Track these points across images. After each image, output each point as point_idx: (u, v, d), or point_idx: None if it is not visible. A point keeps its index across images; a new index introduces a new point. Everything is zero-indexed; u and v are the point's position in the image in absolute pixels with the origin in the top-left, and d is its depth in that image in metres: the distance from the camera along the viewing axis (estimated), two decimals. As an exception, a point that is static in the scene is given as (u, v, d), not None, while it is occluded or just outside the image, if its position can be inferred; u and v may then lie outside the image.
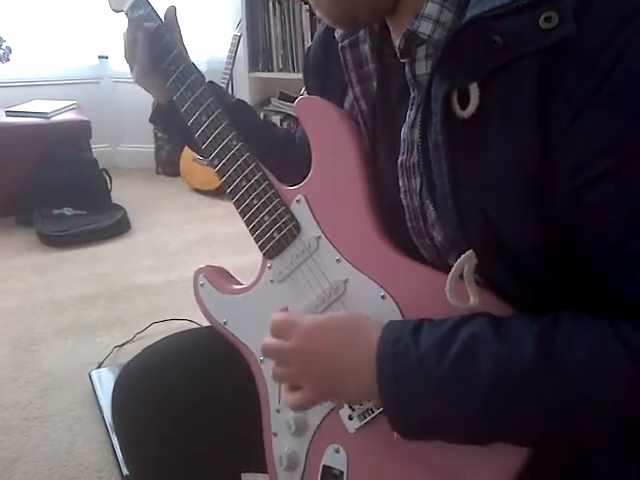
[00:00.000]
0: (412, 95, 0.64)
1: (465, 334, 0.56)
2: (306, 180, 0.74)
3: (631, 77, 0.49)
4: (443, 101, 0.55)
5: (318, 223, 0.72)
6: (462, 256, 0.58)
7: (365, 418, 0.68)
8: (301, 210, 0.74)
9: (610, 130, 0.50)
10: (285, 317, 0.66)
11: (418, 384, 0.57)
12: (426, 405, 0.57)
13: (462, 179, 0.57)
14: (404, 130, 0.65)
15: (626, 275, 0.53)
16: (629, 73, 0.49)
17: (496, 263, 0.58)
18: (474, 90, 0.54)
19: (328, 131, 0.73)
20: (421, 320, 0.60)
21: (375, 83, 0.71)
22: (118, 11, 0.91)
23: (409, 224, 0.67)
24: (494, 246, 0.57)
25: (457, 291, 0.59)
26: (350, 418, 0.69)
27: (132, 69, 0.89)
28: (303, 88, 0.88)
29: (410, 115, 0.64)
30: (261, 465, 0.78)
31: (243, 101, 0.97)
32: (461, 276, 0.59)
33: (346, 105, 0.76)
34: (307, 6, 2.83)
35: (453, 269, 0.59)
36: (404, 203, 0.66)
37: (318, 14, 0.65)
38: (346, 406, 0.69)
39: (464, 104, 0.55)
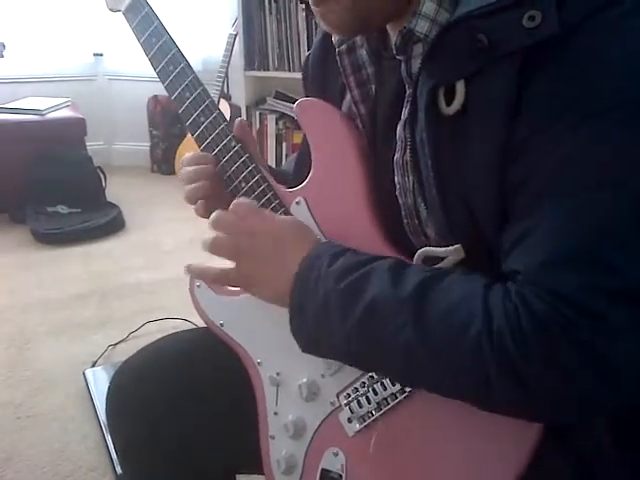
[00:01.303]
0: (407, 93, 0.65)
1: (369, 267, 0.60)
2: (306, 182, 0.74)
3: (567, 70, 0.51)
4: (428, 97, 0.56)
5: (318, 225, 0.72)
6: (450, 247, 0.59)
7: (365, 421, 0.68)
8: (301, 212, 0.73)
9: (539, 112, 0.52)
10: (251, 202, 0.71)
11: (316, 296, 0.62)
12: (316, 315, 0.62)
13: (446, 175, 0.58)
14: (399, 128, 0.66)
15: (516, 245, 0.54)
16: (567, 67, 0.51)
17: (482, 261, 0.59)
18: (460, 88, 0.55)
19: (328, 133, 0.73)
20: (349, 248, 0.65)
21: (373, 87, 0.72)
22: (115, 11, 0.90)
23: (405, 221, 0.67)
24: (480, 243, 0.58)
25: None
26: (349, 421, 0.69)
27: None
28: (299, 87, 0.87)
29: (405, 113, 0.65)
30: (257, 467, 0.78)
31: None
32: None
33: (343, 108, 0.76)
34: (303, 5, 2.82)
35: (434, 249, 0.60)
36: (400, 201, 0.67)
37: (325, 25, 0.64)
38: (346, 409, 0.69)
39: (450, 101, 0.56)
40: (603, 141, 0.50)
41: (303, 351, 0.66)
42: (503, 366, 0.51)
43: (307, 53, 0.84)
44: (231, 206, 0.70)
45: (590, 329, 0.48)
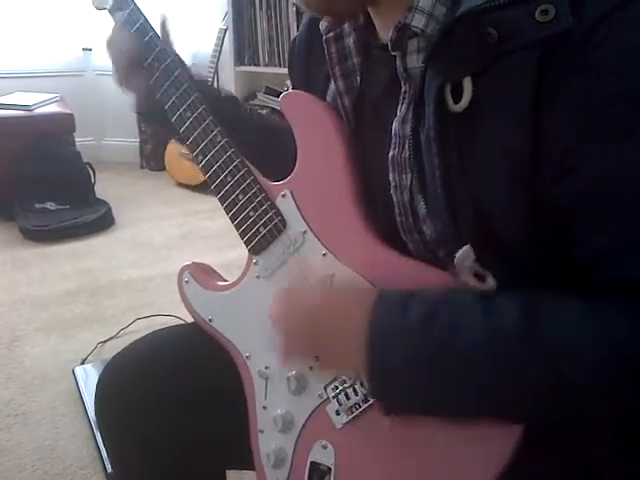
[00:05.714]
0: (403, 89, 0.64)
1: (451, 305, 0.57)
2: (292, 175, 0.74)
3: (607, 63, 0.50)
4: (436, 95, 0.55)
5: (304, 218, 0.72)
6: (459, 254, 0.57)
7: (352, 413, 0.67)
8: (287, 205, 0.73)
9: (589, 116, 0.51)
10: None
11: (403, 353, 0.57)
12: (407, 372, 0.57)
13: (454, 173, 0.57)
14: (395, 125, 0.65)
15: (619, 254, 0.52)
16: (604, 60, 0.50)
17: (488, 256, 0.58)
18: (467, 84, 0.54)
19: (314, 126, 0.72)
20: (411, 290, 0.60)
21: (358, 77, 0.71)
22: (101, 9, 0.90)
23: (398, 219, 0.66)
24: (486, 239, 0.57)
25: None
26: (337, 413, 0.68)
27: (116, 71, 0.87)
28: (288, 81, 0.87)
29: (402, 109, 0.64)
30: (246, 462, 0.78)
31: (229, 96, 0.95)
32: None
33: (328, 98, 0.75)
34: (293, 0, 2.82)
35: (456, 267, 0.58)
36: (394, 198, 0.66)
37: (306, 8, 0.64)
38: (334, 401, 0.69)
39: (457, 98, 0.55)
40: None
41: (387, 414, 0.61)
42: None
43: (293, 36, 0.85)
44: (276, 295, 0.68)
45: None
